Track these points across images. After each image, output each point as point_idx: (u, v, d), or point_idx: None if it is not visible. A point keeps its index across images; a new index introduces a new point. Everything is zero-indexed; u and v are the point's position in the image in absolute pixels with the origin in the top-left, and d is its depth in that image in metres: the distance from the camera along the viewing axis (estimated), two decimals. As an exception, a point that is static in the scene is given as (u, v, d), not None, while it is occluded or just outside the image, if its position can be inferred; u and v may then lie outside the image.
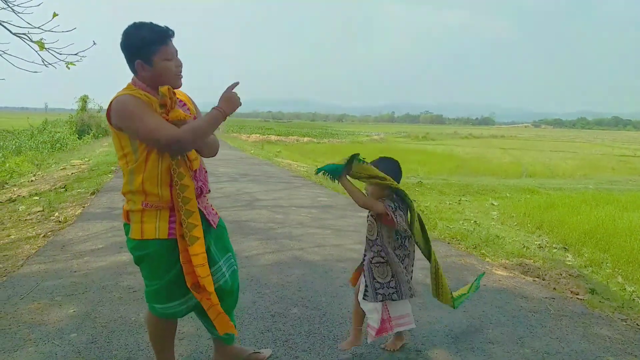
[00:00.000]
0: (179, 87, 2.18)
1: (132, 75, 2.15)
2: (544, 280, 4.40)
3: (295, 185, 10.14)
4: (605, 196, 11.48)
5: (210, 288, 2.12)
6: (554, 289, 4.13)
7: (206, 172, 2.33)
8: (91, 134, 30.40)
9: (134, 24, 2.06)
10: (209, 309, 2.16)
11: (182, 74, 2.15)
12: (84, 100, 32.38)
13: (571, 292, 4.13)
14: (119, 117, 2.03)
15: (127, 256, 4.62)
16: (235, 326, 2.34)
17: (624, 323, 3.44)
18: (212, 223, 2.28)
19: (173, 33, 2.09)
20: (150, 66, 2.06)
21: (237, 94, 2.15)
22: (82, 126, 31.28)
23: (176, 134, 1.99)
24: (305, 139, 40.89)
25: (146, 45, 2.03)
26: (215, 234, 2.30)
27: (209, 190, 2.34)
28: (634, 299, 4.20)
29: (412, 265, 2.78)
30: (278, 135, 42.67)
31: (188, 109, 2.24)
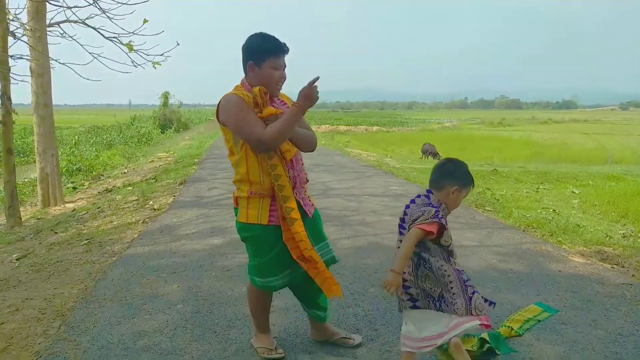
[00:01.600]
0: (277, 96, 2.52)
1: (231, 78, 2.52)
2: (623, 267, 4.36)
3: (366, 175, 10.37)
4: (699, 183, 10.76)
5: (317, 257, 2.44)
6: (633, 275, 4.10)
7: (302, 163, 2.60)
8: (173, 128, 32.19)
9: (260, 33, 2.44)
10: (316, 276, 2.47)
11: (281, 85, 2.49)
12: (166, 96, 34.24)
13: (652, 279, 4.07)
14: (223, 113, 2.41)
15: (219, 240, 5.09)
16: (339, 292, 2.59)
17: None
18: (308, 213, 2.57)
19: (288, 50, 2.43)
20: (259, 69, 2.40)
21: (316, 89, 2.38)
22: (165, 121, 33.16)
23: (257, 133, 2.30)
24: (374, 128, 40.83)
25: (261, 52, 2.39)
26: (310, 223, 2.57)
27: (307, 180, 2.62)
28: None
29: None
30: (347, 125, 42.88)
31: (287, 107, 2.52)
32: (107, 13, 7.92)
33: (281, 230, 2.45)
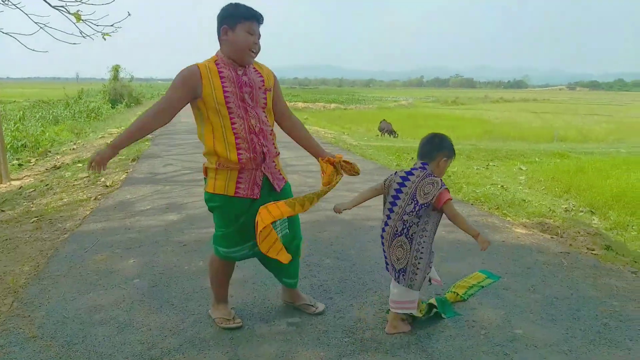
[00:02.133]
0: (250, 64, 2.50)
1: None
2: (561, 237, 4.65)
3: (324, 151, 10.45)
4: (637, 160, 11.41)
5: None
6: (570, 245, 4.40)
7: (274, 137, 2.62)
8: (124, 103, 31.13)
9: (235, 2, 2.44)
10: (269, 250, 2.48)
11: (255, 54, 2.47)
12: (116, 69, 32.95)
13: (587, 248, 4.38)
14: None
15: (175, 216, 5.07)
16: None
17: (634, 275, 3.69)
18: (276, 187, 2.60)
19: (262, 19, 2.45)
20: (233, 32, 2.39)
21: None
22: (115, 95, 32.00)
23: (152, 106, 2.46)
24: (332, 105, 40.87)
25: (236, 16, 2.39)
26: (278, 197, 2.59)
27: (278, 154, 2.64)
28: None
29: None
30: (305, 102, 42.70)
31: (263, 80, 2.54)
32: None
33: (248, 202, 2.50)
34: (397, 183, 2.63)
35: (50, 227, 4.89)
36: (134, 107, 31.39)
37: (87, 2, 7.68)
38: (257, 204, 2.49)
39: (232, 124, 2.41)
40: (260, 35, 2.47)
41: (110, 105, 30.17)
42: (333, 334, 2.69)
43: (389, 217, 2.63)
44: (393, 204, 2.62)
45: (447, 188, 2.56)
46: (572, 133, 21.16)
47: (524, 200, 6.47)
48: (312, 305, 2.95)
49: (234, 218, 2.53)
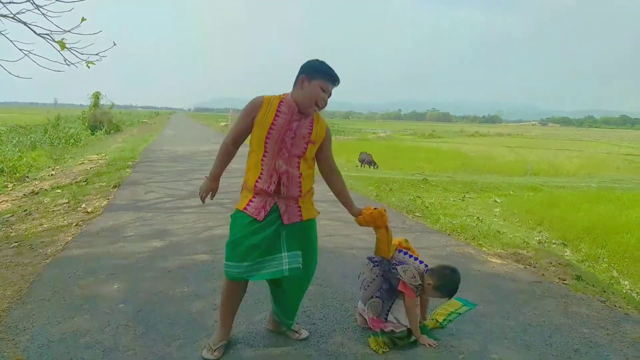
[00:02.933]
0: (310, 115, 2.74)
1: None
2: (534, 267, 4.84)
3: (305, 181, 10.59)
4: (607, 194, 11.81)
5: None
6: (543, 274, 4.58)
7: (307, 180, 2.79)
8: (104, 130, 30.93)
9: (323, 61, 2.71)
10: None
11: (319, 108, 2.72)
12: (97, 96, 32.86)
13: (559, 278, 4.57)
14: None
15: (159, 242, 5.10)
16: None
17: (602, 304, 3.88)
18: (285, 219, 2.71)
19: (338, 83, 2.73)
20: (309, 83, 2.63)
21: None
22: (95, 122, 31.79)
23: (227, 137, 2.82)
24: (313, 136, 41.23)
25: (318, 72, 2.64)
26: (292, 229, 2.74)
27: (300, 195, 2.75)
28: (613, 284, 4.63)
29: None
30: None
31: (310, 132, 2.73)
32: (40, 9, 7.66)
33: (250, 221, 2.66)
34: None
35: (31, 252, 4.87)
36: (113, 133, 31.20)
37: (72, 32, 7.82)
38: (260, 227, 2.64)
39: (263, 157, 2.66)
40: (331, 94, 2.72)
41: (89, 131, 29.95)
42: (317, 358, 2.77)
43: None
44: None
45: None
46: (545, 167, 21.76)
47: (499, 232, 6.68)
48: (296, 332, 3.04)
49: (241, 228, 2.68)
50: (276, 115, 2.63)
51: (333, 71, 2.68)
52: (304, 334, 3.05)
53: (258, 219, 2.65)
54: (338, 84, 2.71)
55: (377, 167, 18.87)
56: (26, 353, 2.72)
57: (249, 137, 2.75)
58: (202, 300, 3.57)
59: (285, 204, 2.71)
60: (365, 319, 3.10)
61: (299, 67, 2.71)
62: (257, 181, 2.66)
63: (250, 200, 2.69)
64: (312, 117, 2.74)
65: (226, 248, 2.72)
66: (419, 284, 2.96)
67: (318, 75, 2.63)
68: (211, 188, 2.86)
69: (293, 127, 2.65)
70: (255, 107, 2.67)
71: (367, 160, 19.58)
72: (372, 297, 3.05)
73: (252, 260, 2.62)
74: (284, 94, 2.73)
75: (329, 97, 2.71)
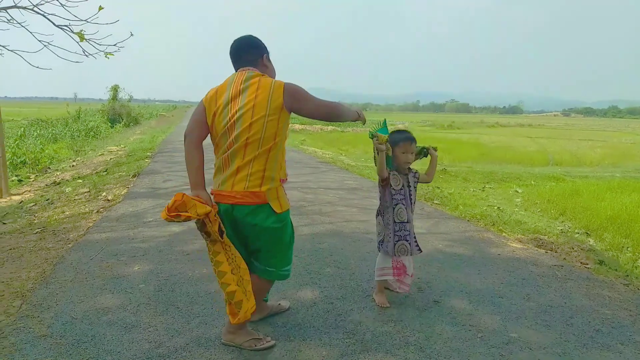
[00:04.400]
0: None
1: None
2: (556, 252, 4.77)
3: (322, 170, 10.61)
4: (632, 184, 11.55)
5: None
6: (564, 259, 4.51)
7: None
8: (122, 123, 31.32)
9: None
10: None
11: None
12: (115, 89, 33.26)
13: (581, 262, 4.49)
14: (297, 98, 2.49)
15: (177, 228, 5.15)
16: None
17: (626, 287, 3.80)
18: None
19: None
20: (269, 60, 2.69)
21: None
22: (114, 115, 32.21)
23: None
24: (329, 127, 41.18)
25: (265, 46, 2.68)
26: None
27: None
28: (637, 270, 4.53)
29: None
30: (302, 124, 42.96)
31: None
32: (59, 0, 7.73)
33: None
34: None
35: (54, 237, 4.97)
36: (132, 126, 31.59)
37: (91, 22, 7.89)
38: None
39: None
40: None
41: (109, 124, 30.37)
42: (335, 335, 2.77)
43: None
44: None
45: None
46: (567, 157, 21.38)
47: (520, 222, 6.58)
48: (279, 304, 3.08)
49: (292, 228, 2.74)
50: None
51: None
52: (285, 303, 3.12)
53: None
54: None
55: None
56: (51, 329, 2.78)
57: (279, 131, 2.50)
58: (220, 281, 3.60)
59: None
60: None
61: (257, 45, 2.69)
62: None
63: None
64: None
65: (290, 253, 2.68)
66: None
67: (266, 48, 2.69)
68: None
69: None
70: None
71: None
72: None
73: None
74: (265, 77, 2.55)
75: None
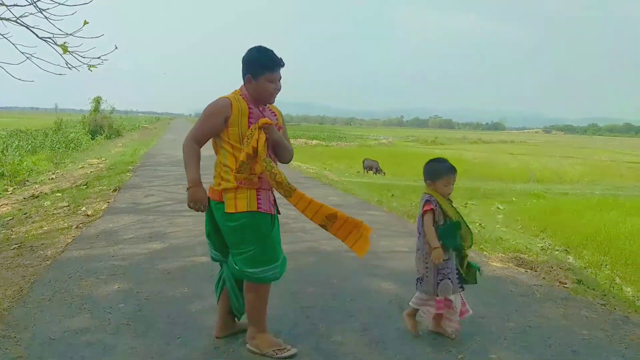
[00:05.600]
0: (272, 103, 2.82)
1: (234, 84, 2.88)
2: (535, 271, 4.84)
3: (305, 186, 10.61)
4: (611, 202, 11.80)
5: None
6: (543, 278, 4.57)
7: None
8: (104, 135, 30.97)
9: (259, 47, 2.69)
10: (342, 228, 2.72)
11: (275, 96, 2.75)
12: (97, 101, 32.89)
13: (559, 282, 4.56)
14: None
15: (159, 245, 5.12)
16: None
17: (603, 307, 3.87)
18: (278, 209, 2.91)
19: (283, 64, 2.70)
20: (256, 82, 2.66)
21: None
22: (95, 127, 31.81)
23: (189, 138, 2.71)
24: (314, 141, 41.31)
25: (259, 66, 2.64)
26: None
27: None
28: (614, 289, 4.62)
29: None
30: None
31: (276, 118, 2.83)
32: (44, 12, 7.69)
33: (272, 219, 2.75)
34: None
35: (31, 253, 4.88)
36: (114, 138, 31.28)
37: (75, 35, 7.85)
38: (275, 221, 2.78)
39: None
40: (280, 77, 2.72)
41: (90, 136, 29.99)
42: (316, 357, 2.77)
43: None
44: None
45: (429, 201, 3.02)
46: (548, 174, 21.73)
47: (502, 239, 6.67)
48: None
49: (265, 229, 2.72)
50: (250, 112, 2.66)
51: (274, 56, 2.66)
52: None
53: (272, 213, 2.72)
54: (283, 65, 2.71)
55: (384, 173, 18.82)
56: (28, 350, 2.73)
57: (223, 136, 2.67)
58: (202, 300, 3.57)
59: (274, 194, 2.80)
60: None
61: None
62: (260, 177, 2.64)
63: (258, 198, 2.65)
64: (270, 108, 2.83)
65: (254, 254, 2.66)
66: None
67: (259, 70, 2.63)
68: (202, 195, 2.69)
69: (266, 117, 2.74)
70: (225, 107, 2.63)
71: (374, 167, 19.52)
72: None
73: (280, 255, 2.75)
74: (238, 90, 2.74)
75: (280, 80, 2.72)
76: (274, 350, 2.71)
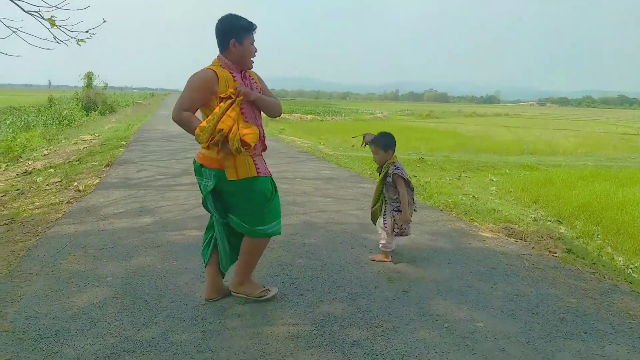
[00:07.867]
0: (251, 69, 2.89)
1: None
2: (525, 241, 4.85)
3: (299, 160, 10.58)
4: (603, 172, 11.82)
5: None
6: (533, 247, 4.59)
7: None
8: (97, 111, 30.70)
9: (233, 14, 2.75)
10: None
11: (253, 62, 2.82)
12: (90, 77, 32.50)
13: (549, 251, 4.58)
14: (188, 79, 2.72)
15: (148, 219, 5.09)
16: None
17: (591, 275, 3.89)
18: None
19: (256, 27, 2.78)
20: (241, 45, 2.73)
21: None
22: (88, 103, 31.53)
23: (176, 109, 2.75)
24: (309, 116, 41.05)
25: (242, 30, 2.71)
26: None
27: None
28: (604, 258, 4.65)
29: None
30: (282, 113, 42.67)
31: (255, 84, 2.89)
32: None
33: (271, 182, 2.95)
34: None
35: (21, 229, 4.85)
36: (108, 114, 31.00)
37: (62, 8, 7.66)
38: (273, 183, 2.96)
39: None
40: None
41: (83, 112, 29.72)
42: (303, 327, 2.78)
43: None
44: None
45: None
46: (541, 146, 21.72)
47: (494, 210, 6.68)
48: (267, 289, 3.16)
49: (268, 190, 2.89)
50: (234, 80, 2.74)
51: (249, 21, 2.76)
52: (273, 290, 3.19)
53: (270, 175, 2.88)
54: (256, 28, 2.80)
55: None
56: (13, 324, 2.72)
57: (212, 105, 2.71)
58: (190, 273, 3.57)
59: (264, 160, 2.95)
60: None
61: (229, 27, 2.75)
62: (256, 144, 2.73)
63: (255, 164, 2.78)
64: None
65: (262, 213, 2.84)
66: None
67: (244, 33, 2.73)
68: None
69: (247, 83, 2.82)
70: (212, 80, 2.67)
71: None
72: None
73: (280, 210, 2.96)
74: (217, 61, 2.79)
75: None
76: (262, 292, 3.07)
